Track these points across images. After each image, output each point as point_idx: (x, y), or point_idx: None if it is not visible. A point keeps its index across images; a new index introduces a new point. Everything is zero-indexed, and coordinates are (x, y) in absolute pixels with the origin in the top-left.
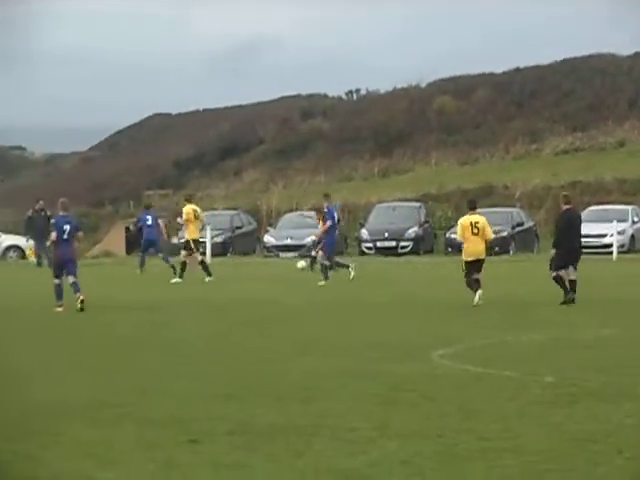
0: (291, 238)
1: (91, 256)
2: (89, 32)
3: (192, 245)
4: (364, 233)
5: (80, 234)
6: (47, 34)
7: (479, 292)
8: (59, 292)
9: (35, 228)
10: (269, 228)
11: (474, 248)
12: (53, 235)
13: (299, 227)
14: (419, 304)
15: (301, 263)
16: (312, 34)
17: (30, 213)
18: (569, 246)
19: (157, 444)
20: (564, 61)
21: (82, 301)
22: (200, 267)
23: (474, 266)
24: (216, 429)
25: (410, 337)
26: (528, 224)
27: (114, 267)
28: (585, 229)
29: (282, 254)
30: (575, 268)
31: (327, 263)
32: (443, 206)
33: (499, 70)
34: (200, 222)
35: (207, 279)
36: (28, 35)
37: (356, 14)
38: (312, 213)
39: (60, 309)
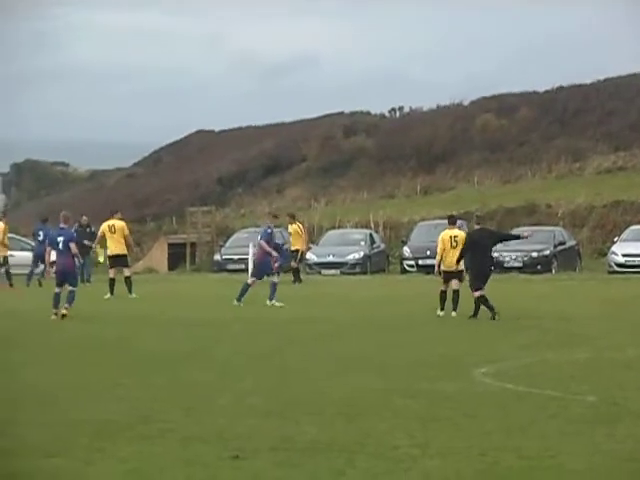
0: (333, 255)
1: (134, 272)
2: (134, 49)
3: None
4: (406, 251)
5: (72, 245)
6: (92, 51)
7: (453, 312)
8: (56, 300)
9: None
10: (311, 245)
11: (451, 260)
12: (48, 248)
13: (341, 244)
14: (461, 322)
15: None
16: (356, 52)
17: (76, 227)
18: (477, 266)
19: (199, 460)
20: (607, 80)
21: (64, 315)
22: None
23: (450, 276)
24: (258, 445)
25: (452, 355)
26: (570, 243)
27: (157, 283)
28: (628, 248)
29: (324, 271)
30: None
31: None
32: (486, 224)
33: (542, 89)
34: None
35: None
36: (74, 52)
37: (400, 31)
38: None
39: (54, 317)
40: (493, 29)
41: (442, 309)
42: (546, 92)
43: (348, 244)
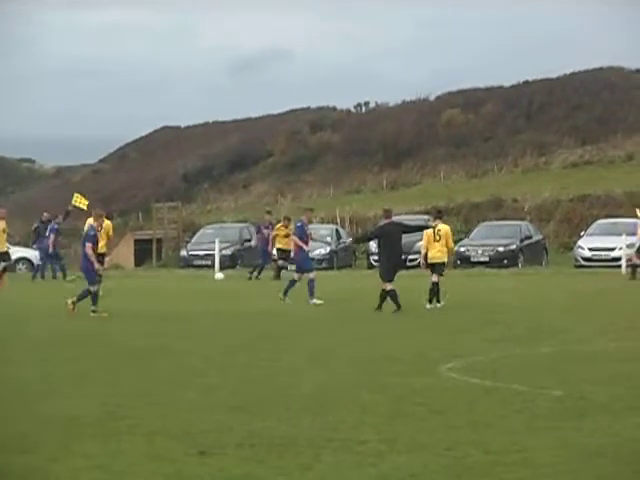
0: None
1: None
2: (97, 44)
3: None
4: (372, 246)
5: (87, 245)
6: (55, 47)
7: (439, 303)
8: (93, 297)
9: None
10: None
11: (434, 253)
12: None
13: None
14: (427, 317)
15: (219, 275)
16: (321, 47)
17: (37, 224)
18: (385, 259)
19: (166, 456)
20: (573, 74)
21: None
22: None
23: (434, 268)
24: (225, 441)
25: (420, 350)
26: (537, 237)
27: (122, 279)
28: (594, 242)
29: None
30: (390, 280)
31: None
32: (452, 219)
33: (508, 83)
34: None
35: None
36: (36, 48)
37: (366, 27)
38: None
39: (93, 314)
40: (460, 25)
41: (438, 301)
42: (512, 87)
43: (314, 239)
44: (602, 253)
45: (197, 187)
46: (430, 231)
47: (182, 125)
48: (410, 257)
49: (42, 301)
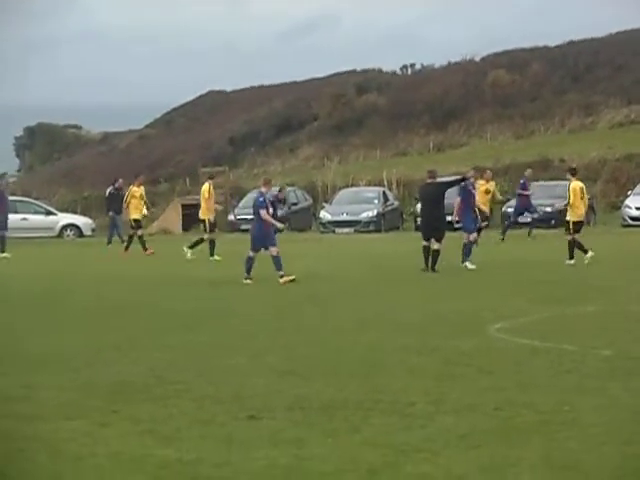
0: (347, 214)
1: (149, 233)
2: (145, 11)
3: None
4: (419, 208)
5: (262, 212)
6: (104, 14)
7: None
8: (248, 265)
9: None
10: (325, 204)
11: (581, 210)
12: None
13: (355, 202)
14: (475, 278)
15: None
16: (366, 12)
17: (111, 190)
18: (424, 219)
19: (216, 420)
20: (618, 34)
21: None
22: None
23: (578, 226)
24: (275, 405)
25: (467, 311)
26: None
27: (171, 244)
28: None
29: (338, 230)
30: (437, 239)
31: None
32: (499, 180)
33: (553, 44)
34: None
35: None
36: (84, 16)
37: None
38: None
39: (249, 282)
40: None
41: (571, 258)
42: (557, 47)
43: (361, 202)
44: None
45: (244, 151)
46: (578, 187)
47: (228, 89)
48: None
49: (95, 267)
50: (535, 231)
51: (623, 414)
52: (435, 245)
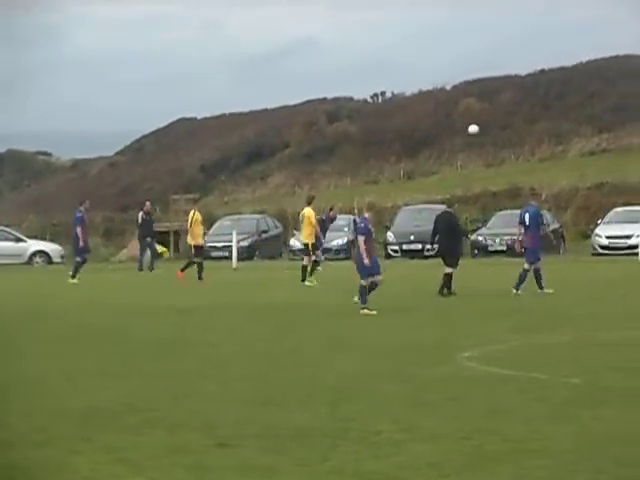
0: None
1: (118, 260)
2: (115, 37)
3: None
4: (390, 236)
5: None
6: (71, 39)
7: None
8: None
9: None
10: (295, 232)
11: None
12: None
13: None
14: (445, 307)
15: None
16: (337, 39)
17: (143, 216)
18: (439, 245)
19: (186, 448)
20: (589, 62)
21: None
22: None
23: None
24: (245, 433)
25: (438, 339)
26: (554, 226)
27: (140, 272)
28: (611, 230)
29: None
30: (448, 265)
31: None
32: (470, 208)
33: (524, 72)
34: None
35: None
36: (53, 41)
37: (381, 17)
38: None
39: (365, 311)
40: (476, 15)
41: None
42: (528, 75)
43: (332, 230)
44: (619, 241)
45: (214, 179)
46: None
47: (199, 117)
48: (428, 247)
49: (65, 295)
50: (504, 259)
51: (593, 442)
52: (447, 269)
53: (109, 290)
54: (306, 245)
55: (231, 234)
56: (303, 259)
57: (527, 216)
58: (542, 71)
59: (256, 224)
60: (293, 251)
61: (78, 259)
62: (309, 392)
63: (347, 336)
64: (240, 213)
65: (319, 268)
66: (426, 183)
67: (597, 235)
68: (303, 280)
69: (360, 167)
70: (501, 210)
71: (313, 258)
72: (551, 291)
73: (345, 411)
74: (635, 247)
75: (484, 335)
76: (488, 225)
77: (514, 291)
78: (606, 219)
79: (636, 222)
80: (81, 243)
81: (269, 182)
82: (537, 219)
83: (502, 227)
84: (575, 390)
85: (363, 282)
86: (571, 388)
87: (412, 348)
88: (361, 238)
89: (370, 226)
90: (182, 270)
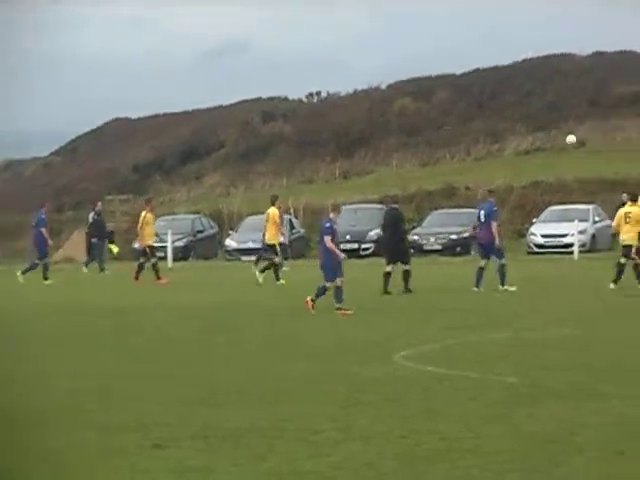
0: (253, 241)
1: (53, 262)
2: (47, 36)
3: None
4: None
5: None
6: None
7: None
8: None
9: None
10: (231, 232)
11: (627, 234)
12: None
13: (261, 230)
14: (382, 306)
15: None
16: (272, 38)
17: (94, 215)
18: (385, 243)
19: (120, 450)
20: (524, 62)
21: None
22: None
23: (628, 250)
24: (180, 433)
25: (373, 339)
26: (606, 222)
27: (76, 273)
28: (546, 229)
29: (244, 257)
30: (404, 262)
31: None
32: (405, 207)
33: (459, 71)
34: None
35: None
36: None
37: (317, 16)
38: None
39: (345, 312)
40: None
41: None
42: (463, 74)
43: None
44: (554, 239)
45: (149, 179)
46: (622, 213)
47: (133, 117)
48: (364, 246)
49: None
50: (441, 259)
51: (527, 442)
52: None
53: (46, 291)
54: (272, 245)
55: (166, 234)
56: (273, 259)
57: (482, 213)
58: (477, 70)
59: (191, 224)
60: (229, 251)
61: (46, 260)
62: (244, 393)
63: (285, 336)
64: (175, 213)
65: (285, 269)
66: (362, 183)
67: (532, 234)
68: (277, 280)
69: (295, 167)
70: (436, 209)
71: (276, 259)
72: (478, 290)
73: (282, 411)
74: (570, 246)
75: (420, 334)
76: (423, 224)
77: (500, 287)
78: (541, 218)
79: (571, 221)
80: (50, 243)
81: (204, 182)
82: (492, 215)
83: (437, 226)
84: (509, 389)
85: (328, 284)
86: (505, 387)
87: (349, 348)
88: (327, 238)
89: (335, 226)
90: (156, 276)
